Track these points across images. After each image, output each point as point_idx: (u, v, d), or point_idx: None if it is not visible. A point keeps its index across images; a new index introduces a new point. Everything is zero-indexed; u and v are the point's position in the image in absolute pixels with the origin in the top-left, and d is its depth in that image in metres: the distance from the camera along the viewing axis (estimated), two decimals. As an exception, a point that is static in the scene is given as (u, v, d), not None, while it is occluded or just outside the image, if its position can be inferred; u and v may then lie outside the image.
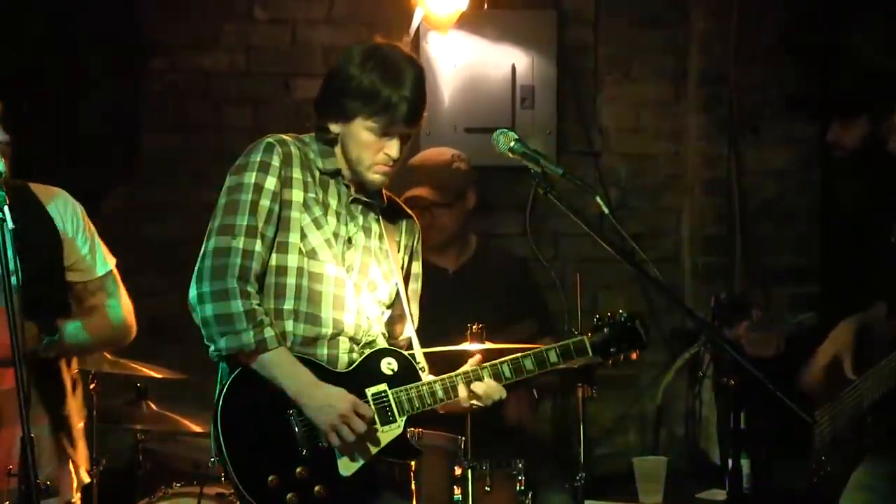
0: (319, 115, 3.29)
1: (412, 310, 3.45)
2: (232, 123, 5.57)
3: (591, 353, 3.35)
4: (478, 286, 4.67)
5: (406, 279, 3.46)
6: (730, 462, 3.10)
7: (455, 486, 4.10)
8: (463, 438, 3.99)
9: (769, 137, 5.53)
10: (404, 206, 3.51)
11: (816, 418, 3.64)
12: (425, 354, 3.41)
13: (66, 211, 3.45)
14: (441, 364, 3.42)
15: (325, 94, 3.27)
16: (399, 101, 3.17)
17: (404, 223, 3.47)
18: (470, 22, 5.38)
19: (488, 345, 4.12)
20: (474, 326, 4.09)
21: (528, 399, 4.65)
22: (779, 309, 5.35)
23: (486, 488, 4.11)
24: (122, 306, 3.55)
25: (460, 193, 4.68)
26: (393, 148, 3.23)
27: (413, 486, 3.44)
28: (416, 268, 3.51)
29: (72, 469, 3.43)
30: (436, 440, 3.92)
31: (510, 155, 3.21)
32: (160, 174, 5.54)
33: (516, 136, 3.20)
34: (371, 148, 3.21)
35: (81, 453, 3.49)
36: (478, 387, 3.28)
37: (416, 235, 3.51)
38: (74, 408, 3.45)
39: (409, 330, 3.43)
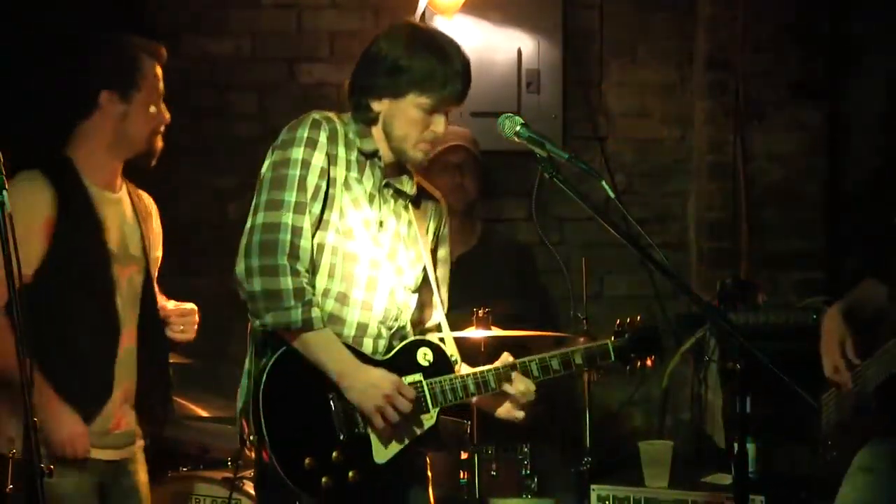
0: (360, 94, 3.26)
1: (442, 295, 3.43)
2: (237, 109, 5.56)
3: (612, 358, 3.39)
4: (481, 272, 4.68)
5: (434, 264, 3.43)
6: (735, 446, 3.09)
7: (461, 471, 4.12)
8: (469, 423, 4.00)
9: (775, 122, 5.51)
10: (432, 190, 3.48)
11: (822, 402, 3.64)
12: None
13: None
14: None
15: (368, 74, 3.24)
16: (453, 77, 3.19)
17: (432, 208, 3.45)
18: (475, 6, 5.36)
19: (495, 331, 4.13)
20: (480, 311, 4.10)
21: None
22: (784, 294, 5.35)
23: (492, 472, 4.13)
24: None
25: (480, 160, 4.80)
26: (440, 124, 3.24)
27: (429, 474, 3.44)
28: (444, 252, 3.49)
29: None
30: (442, 425, 3.94)
31: (516, 139, 3.20)
32: (165, 160, 5.51)
33: (522, 121, 3.19)
34: (419, 125, 3.21)
35: None
36: (514, 387, 3.27)
37: (444, 219, 3.48)
38: None
39: (437, 315, 3.41)
